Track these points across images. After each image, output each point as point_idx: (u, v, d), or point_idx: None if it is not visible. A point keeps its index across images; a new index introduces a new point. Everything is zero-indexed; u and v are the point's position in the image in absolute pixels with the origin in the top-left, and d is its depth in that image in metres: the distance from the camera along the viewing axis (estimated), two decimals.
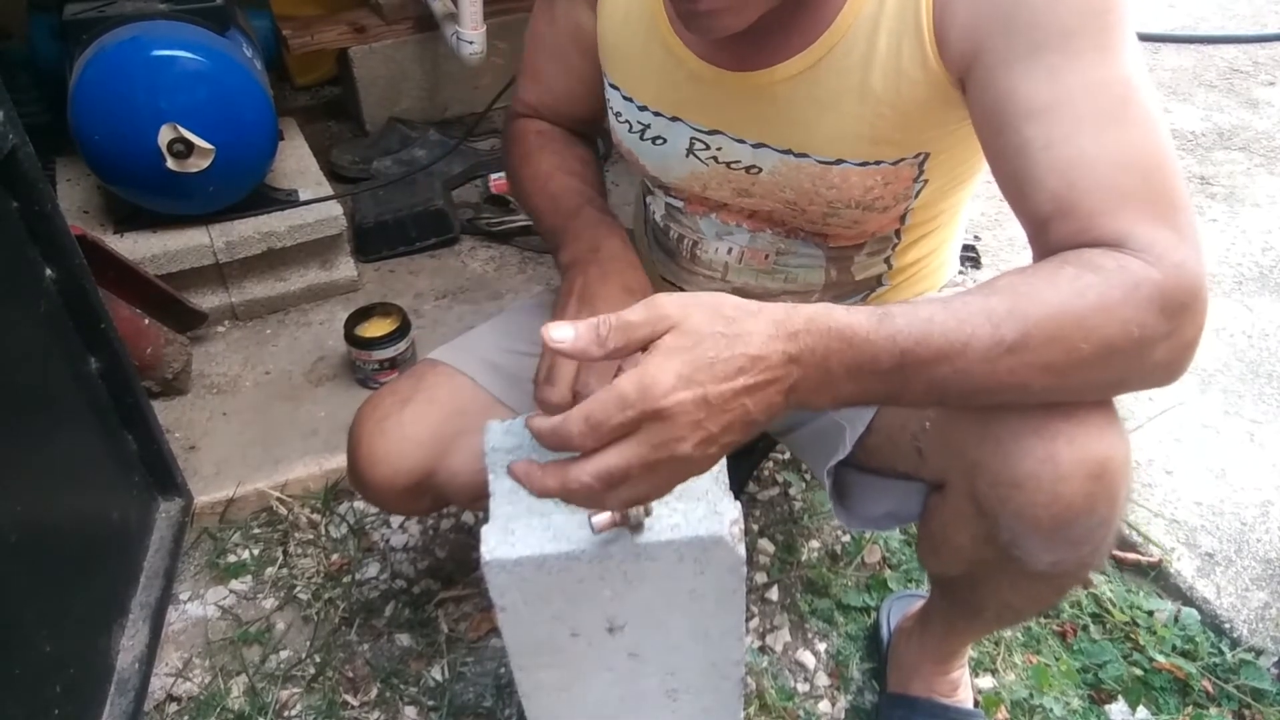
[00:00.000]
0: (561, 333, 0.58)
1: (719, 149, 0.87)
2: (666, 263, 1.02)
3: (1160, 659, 1.19)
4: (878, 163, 0.82)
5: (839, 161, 0.82)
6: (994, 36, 0.69)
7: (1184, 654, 1.19)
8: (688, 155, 0.90)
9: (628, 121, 0.93)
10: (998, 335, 0.61)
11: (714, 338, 0.58)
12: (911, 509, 0.89)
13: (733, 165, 0.87)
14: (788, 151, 0.84)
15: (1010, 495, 0.71)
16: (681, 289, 1.02)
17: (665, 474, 0.59)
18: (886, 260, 0.96)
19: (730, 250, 0.96)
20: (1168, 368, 0.65)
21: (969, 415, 0.74)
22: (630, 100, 0.91)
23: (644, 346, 0.58)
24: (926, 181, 0.86)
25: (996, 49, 0.69)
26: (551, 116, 1.05)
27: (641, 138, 0.92)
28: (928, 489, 0.87)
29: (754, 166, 0.87)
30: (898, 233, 0.93)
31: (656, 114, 0.90)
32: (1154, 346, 0.63)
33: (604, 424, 0.56)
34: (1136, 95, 0.67)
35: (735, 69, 0.83)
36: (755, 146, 0.85)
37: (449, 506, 1.00)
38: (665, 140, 0.91)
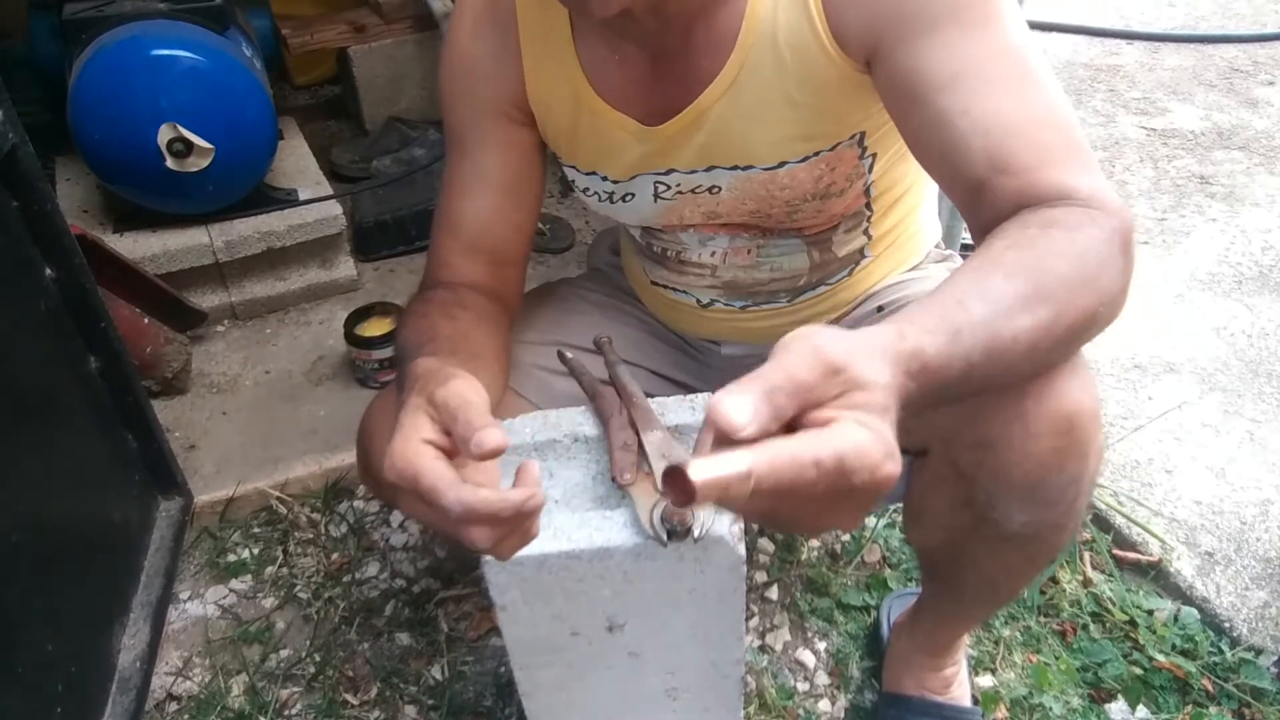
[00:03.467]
0: (739, 417, 0.47)
1: (678, 184, 0.90)
2: (655, 268, 1.04)
3: (1160, 658, 1.19)
4: (816, 153, 0.85)
5: (782, 164, 0.85)
6: (889, 24, 0.72)
7: (1184, 653, 1.20)
8: (655, 200, 0.93)
9: (596, 193, 0.96)
10: (1036, 321, 0.61)
11: (885, 391, 0.52)
12: (899, 487, 0.90)
13: (696, 190, 0.90)
14: (734, 167, 0.87)
15: (984, 456, 0.73)
16: (673, 289, 1.03)
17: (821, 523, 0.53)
18: (865, 232, 0.98)
19: (714, 253, 0.98)
20: (1119, 308, 0.67)
21: None
22: (592, 174, 0.94)
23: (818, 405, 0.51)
24: (875, 155, 0.88)
25: (893, 34, 0.73)
26: (463, 263, 0.93)
27: (611, 201, 0.95)
28: (908, 463, 0.87)
29: (714, 186, 0.89)
30: (868, 205, 0.95)
31: (616, 181, 0.93)
32: (1122, 292, 0.66)
33: (846, 474, 0.48)
34: (1030, 59, 0.71)
35: (667, 117, 0.85)
36: (707, 170, 0.88)
37: None
38: (633, 195, 0.93)
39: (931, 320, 0.58)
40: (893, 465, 0.49)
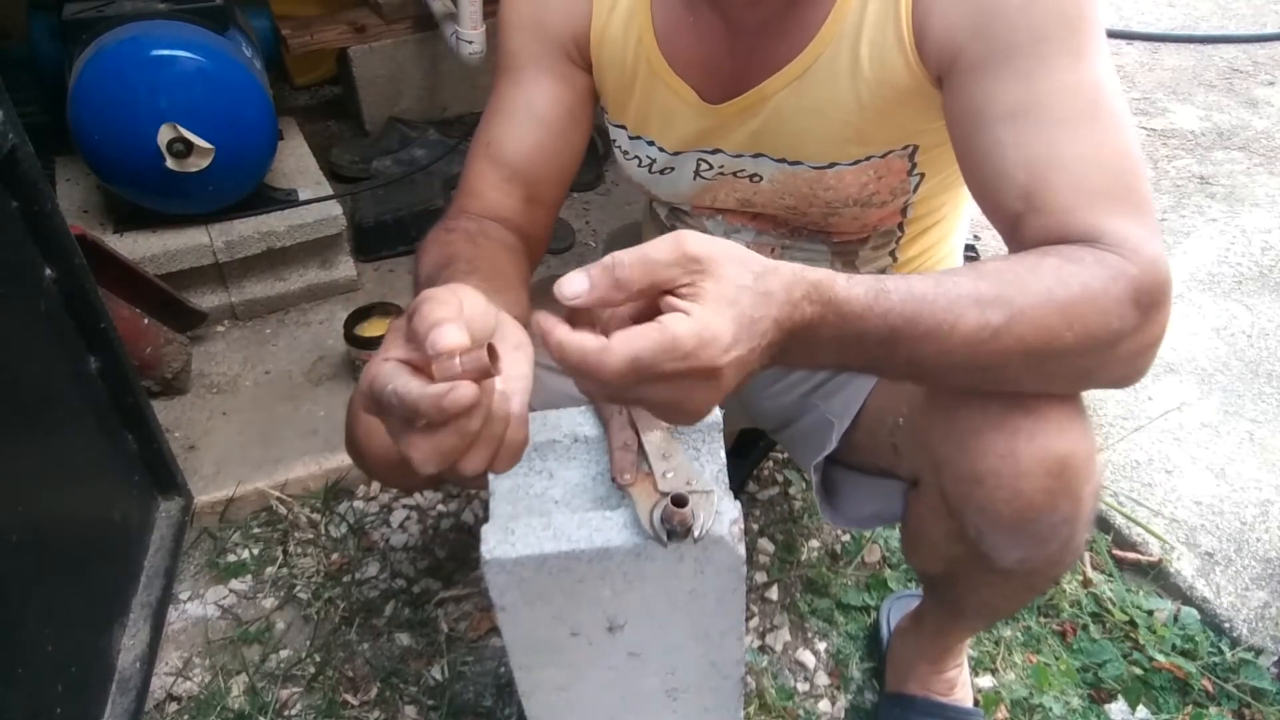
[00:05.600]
0: (575, 286, 0.52)
1: (721, 165, 0.89)
2: None
3: (1160, 658, 1.19)
4: (867, 158, 0.84)
5: (832, 165, 0.84)
6: (970, 41, 0.71)
7: (1184, 653, 1.20)
8: (695, 178, 0.92)
9: (636, 158, 0.94)
10: (984, 319, 0.61)
11: (748, 293, 0.54)
12: (895, 509, 0.90)
13: (738, 174, 0.89)
14: (782, 160, 0.86)
15: (972, 491, 0.72)
16: None
17: (670, 414, 0.56)
18: (891, 253, 0.97)
19: None
20: (1131, 363, 0.66)
21: (936, 412, 0.75)
22: (638, 138, 0.93)
23: (668, 289, 0.54)
24: (923, 175, 0.87)
25: (973, 53, 0.71)
26: (498, 194, 0.90)
27: (650, 171, 0.94)
28: (907, 487, 0.87)
29: (755, 175, 0.89)
30: (900, 226, 0.94)
31: (662, 150, 0.91)
32: (1124, 340, 0.64)
33: (652, 369, 0.51)
34: (1106, 97, 0.69)
35: (728, 97, 0.84)
36: (754, 157, 0.87)
37: (445, 481, 1.00)
38: (673, 169, 0.93)
39: (862, 276, 0.60)
40: (713, 351, 0.52)
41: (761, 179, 0.88)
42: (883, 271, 0.98)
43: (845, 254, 0.96)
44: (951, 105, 0.74)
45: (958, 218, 1.01)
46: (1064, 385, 0.69)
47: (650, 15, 0.85)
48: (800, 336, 0.58)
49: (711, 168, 0.90)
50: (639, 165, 0.94)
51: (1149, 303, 0.63)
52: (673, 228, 1.01)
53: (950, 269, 0.65)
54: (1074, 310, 0.61)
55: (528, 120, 0.90)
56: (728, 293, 0.53)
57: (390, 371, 0.52)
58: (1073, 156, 0.67)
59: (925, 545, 0.86)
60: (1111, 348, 0.64)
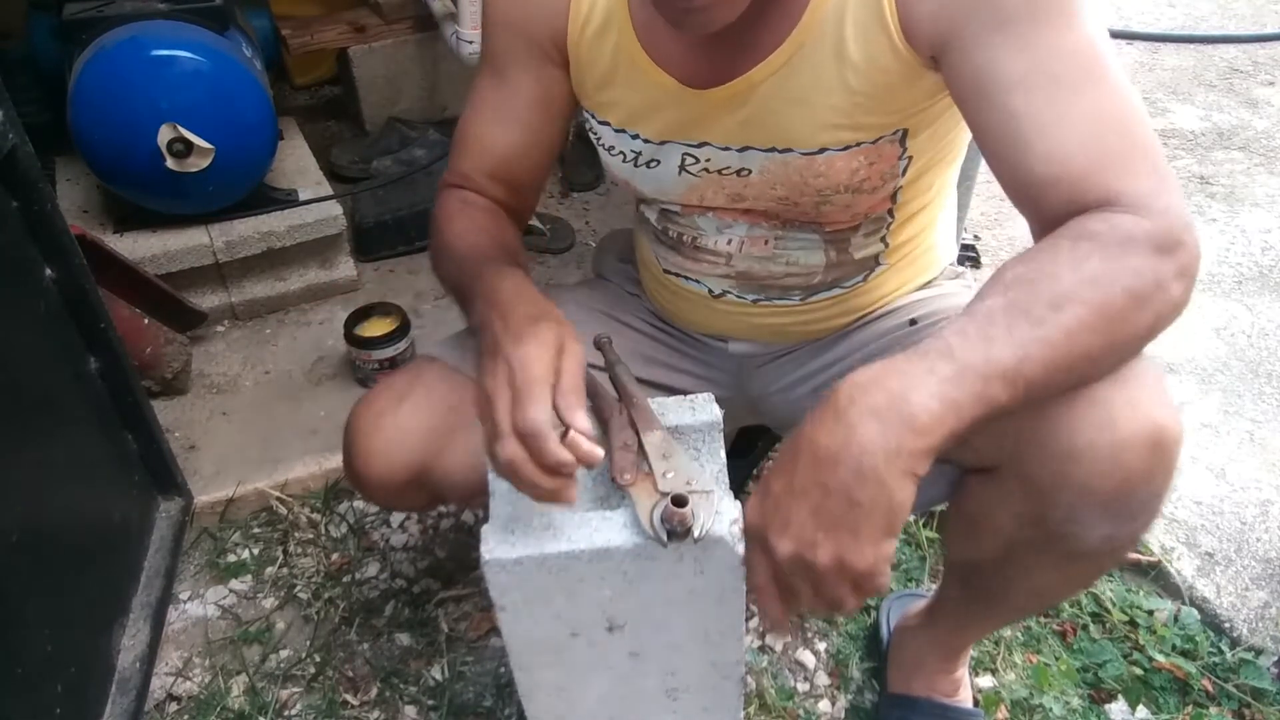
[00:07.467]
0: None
1: (708, 160, 0.89)
2: (669, 256, 1.02)
3: (1160, 658, 1.19)
4: (858, 144, 0.84)
5: (822, 150, 0.84)
6: (963, 17, 0.72)
7: (1184, 653, 1.20)
8: (680, 173, 0.92)
9: (621, 152, 0.94)
10: (1047, 337, 0.64)
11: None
12: (934, 494, 0.88)
13: (724, 172, 0.89)
14: (772, 149, 0.85)
15: (1068, 470, 0.71)
16: (686, 277, 1.02)
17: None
18: (883, 239, 0.97)
19: (730, 241, 0.97)
20: (1183, 299, 0.68)
21: None
22: (621, 131, 0.93)
23: None
24: (912, 158, 0.87)
25: (967, 29, 0.72)
26: (485, 183, 0.99)
27: (635, 165, 0.94)
28: (956, 473, 0.86)
29: (744, 169, 0.88)
30: (890, 211, 0.95)
31: (646, 140, 0.91)
32: (1169, 283, 0.66)
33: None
34: (1103, 57, 0.71)
35: (713, 84, 0.84)
36: (741, 150, 0.87)
37: (445, 503, 1.01)
38: (658, 163, 0.92)
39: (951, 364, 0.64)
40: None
41: (751, 172, 0.88)
42: (875, 258, 0.98)
43: (838, 241, 0.96)
44: (955, 82, 0.75)
45: (944, 202, 1.01)
46: (1143, 340, 0.69)
47: (629, 11, 0.86)
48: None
49: (698, 162, 0.89)
50: (623, 160, 0.94)
51: (1171, 245, 0.66)
52: (664, 230, 1.01)
53: (969, 311, 0.67)
54: (1106, 279, 0.64)
55: (507, 122, 0.97)
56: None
57: (575, 388, 0.71)
58: (1082, 119, 0.69)
59: (987, 532, 0.83)
60: (1162, 293, 0.66)
